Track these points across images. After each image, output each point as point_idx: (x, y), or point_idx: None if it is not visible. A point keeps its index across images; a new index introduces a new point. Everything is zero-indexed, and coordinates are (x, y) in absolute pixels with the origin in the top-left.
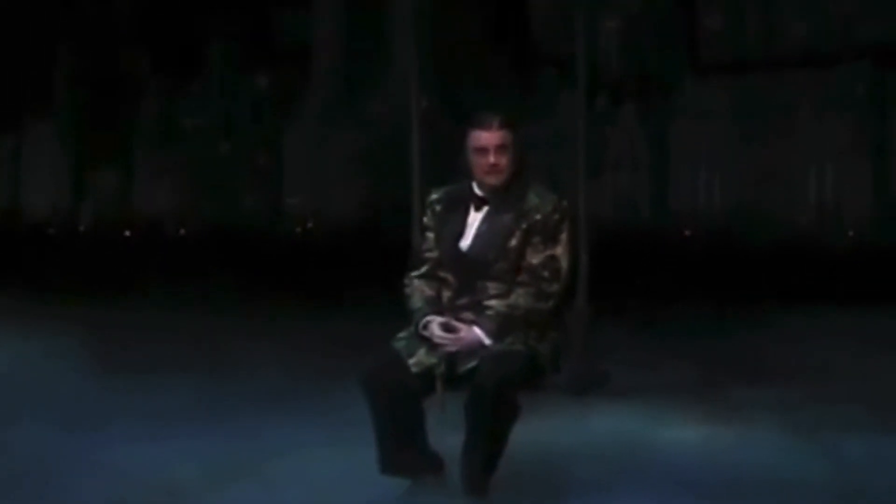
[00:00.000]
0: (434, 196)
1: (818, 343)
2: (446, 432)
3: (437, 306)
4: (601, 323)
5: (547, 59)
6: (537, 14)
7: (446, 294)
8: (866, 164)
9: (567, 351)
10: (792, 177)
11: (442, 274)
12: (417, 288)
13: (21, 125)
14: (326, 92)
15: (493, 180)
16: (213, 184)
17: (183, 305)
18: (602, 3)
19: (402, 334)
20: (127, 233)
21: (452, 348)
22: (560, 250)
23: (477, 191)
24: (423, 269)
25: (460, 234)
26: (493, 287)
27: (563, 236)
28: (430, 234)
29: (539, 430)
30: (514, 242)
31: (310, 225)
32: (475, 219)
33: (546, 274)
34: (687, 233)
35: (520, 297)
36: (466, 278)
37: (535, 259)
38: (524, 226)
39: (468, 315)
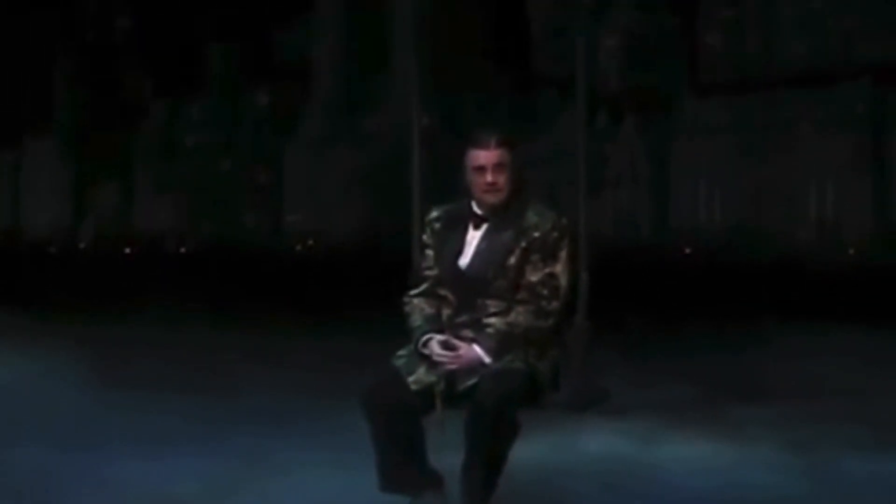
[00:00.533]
0: (433, 214)
1: (818, 361)
2: (446, 450)
3: (436, 324)
4: (601, 341)
5: (547, 77)
6: (538, 32)
7: (446, 312)
8: (866, 182)
9: (567, 369)
10: (792, 194)
11: (441, 292)
12: (417, 306)
13: (21, 143)
14: (327, 110)
15: (491, 199)
16: (213, 201)
17: (183, 323)
18: (602, 21)
19: (401, 352)
20: (127, 250)
21: (452, 366)
22: (559, 268)
23: (476, 209)
24: (423, 287)
25: (459, 252)
26: (492, 305)
27: (563, 254)
28: (430, 252)
29: (539, 448)
30: (513, 260)
31: (310, 242)
32: (474, 237)
33: (545, 292)
34: (687, 250)
35: (519, 315)
36: (466, 296)
37: (534, 277)
38: (523, 244)
39: (468, 333)
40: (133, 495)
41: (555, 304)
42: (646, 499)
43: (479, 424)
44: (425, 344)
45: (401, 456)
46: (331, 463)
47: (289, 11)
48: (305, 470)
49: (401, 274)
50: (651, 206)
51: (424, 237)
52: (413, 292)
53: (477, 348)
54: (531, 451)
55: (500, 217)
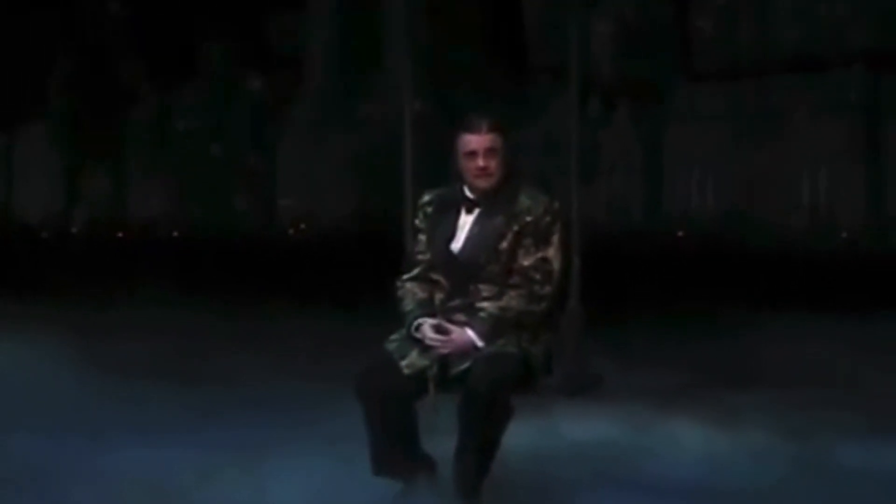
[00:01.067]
0: (425, 198)
1: (811, 347)
2: (439, 435)
3: (429, 308)
4: (594, 325)
5: (540, 65)
6: (531, 20)
7: (438, 296)
8: (859, 168)
9: (559, 353)
10: (785, 180)
11: (434, 276)
12: (409, 290)
13: (14, 128)
14: (320, 95)
15: (483, 183)
16: (206, 186)
17: (175, 307)
18: (595, 9)
19: (394, 336)
20: (120, 235)
21: (445, 350)
22: (552, 252)
23: (468, 193)
24: (415, 271)
25: (452, 236)
26: (485, 289)
27: (555, 238)
28: (422, 237)
29: (531, 433)
30: (505, 245)
31: (302, 227)
32: (466, 221)
33: (538, 276)
34: (680, 234)
35: (512, 300)
36: (458, 281)
37: (526, 261)
38: (515, 228)
39: (460, 317)
40: (125, 479)
41: (547, 289)
42: (637, 485)
43: (471, 409)
44: (418, 328)
45: (394, 440)
46: (324, 447)
47: None
48: (299, 454)
49: (393, 258)
50: (644, 192)
51: (417, 221)
52: (405, 277)
53: (469, 332)
54: (523, 435)
55: (492, 201)
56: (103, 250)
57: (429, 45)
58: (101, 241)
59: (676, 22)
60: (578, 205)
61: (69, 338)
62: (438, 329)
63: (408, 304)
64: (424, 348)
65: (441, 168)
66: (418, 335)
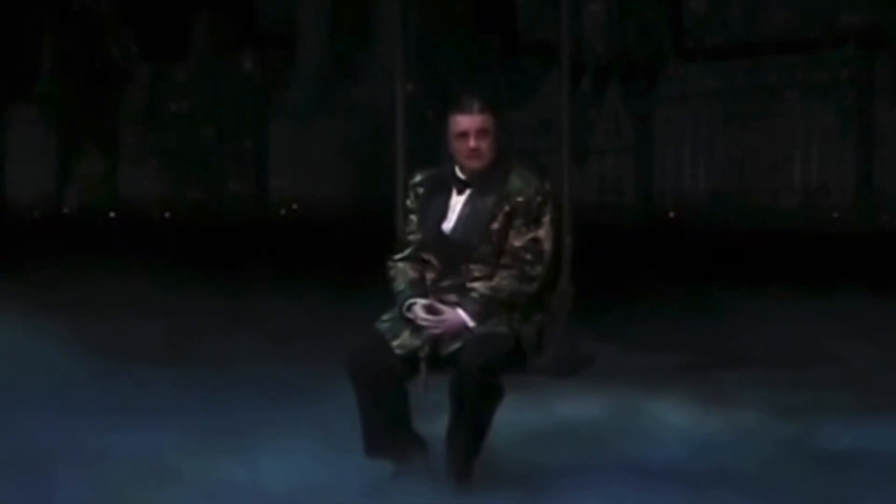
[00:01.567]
0: (417, 179)
1: (802, 327)
2: (430, 415)
3: (420, 289)
4: (585, 306)
5: (531, 44)
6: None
7: (430, 276)
8: (851, 148)
9: (551, 334)
10: (777, 159)
11: (425, 256)
12: (401, 270)
13: (5, 109)
14: (312, 76)
15: (474, 164)
16: (198, 167)
17: (167, 288)
18: None
19: (385, 316)
20: (112, 215)
21: (436, 330)
22: (543, 233)
23: (459, 174)
24: (407, 251)
25: (443, 217)
26: (476, 270)
27: (547, 219)
28: (414, 217)
29: (523, 413)
30: (496, 225)
31: (294, 207)
32: (458, 202)
33: (529, 257)
34: (671, 215)
35: (503, 280)
36: (450, 261)
37: (518, 242)
38: (507, 208)
39: (452, 297)
40: (114, 458)
41: (538, 269)
42: (628, 465)
43: (463, 389)
44: (409, 308)
45: (386, 421)
46: (317, 430)
47: None
48: (292, 438)
49: (385, 239)
50: (635, 171)
51: (408, 202)
52: (397, 257)
53: (461, 312)
54: (515, 415)
55: (483, 182)
56: (95, 231)
57: (420, 26)
58: (93, 222)
59: (668, 1)
60: (569, 184)
61: (60, 318)
62: (430, 309)
63: (399, 285)
64: (416, 328)
65: (432, 148)
66: (410, 315)
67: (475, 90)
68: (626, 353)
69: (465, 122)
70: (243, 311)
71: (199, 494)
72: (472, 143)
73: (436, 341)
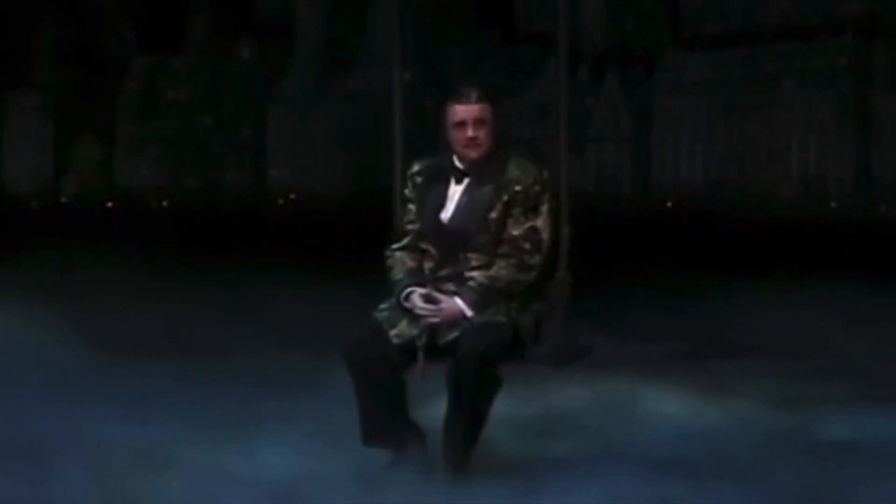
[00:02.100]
0: (415, 168)
1: (800, 316)
2: (428, 404)
3: (418, 278)
4: (583, 295)
5: (529, 33)
6: None
7: (428, 266)
8: (849, 137)
9: (549, 323)
10: (774, 149)
11: (423, 246)
12: (399, 260)
13: (3, 98)
14: (309, 66)
15: (472, 153)
16: (196, 156)
17: (164, 278)
18: None
19: (383, 306)
20: (109, 205)
21: (434, 320)
22: (541, 222)
23: (457, 163)
24: (405, 241)
25: (441, 206)
26: (474, 259)
27: (544, 208)
28: (412, 207)
29: (520, 403)
30: (494, 214)
31: (292, 196)
32: (456, 191)
33: (527, 246)
34: (669, 204)
35: (501, 269)
36: (448, 250)
37: (515, 231)
38: (505, 198)
39: (450, 286)
40: (115, 454)
41: (536, 258)
42: (628, 454)
43: (461, 378)
44: (407, 297)
45: (383, 410)
46: (314, 419)
47: None
48: (289, 427)
49: (383, 228)
50: (633, 161)
51: (406, 191)
52: (395, 246)
53: (459, 301)
54: (513, 405)
55: (481, 171)
56: (93, 220)
57: (418, 14)
58: (90, 211)
59: None
60: (567, 173)
61: (57, 308)
62: (428, 298)
63: (397, 274)
64: (414, 318)
65: (431, 137)
66: (408, 305)
67: (473, 79)
68: (624, 343)
69: (463, 111)
70: (241, 301)
71: (196, 484)
72: (469, 132)
73: (433, 330)
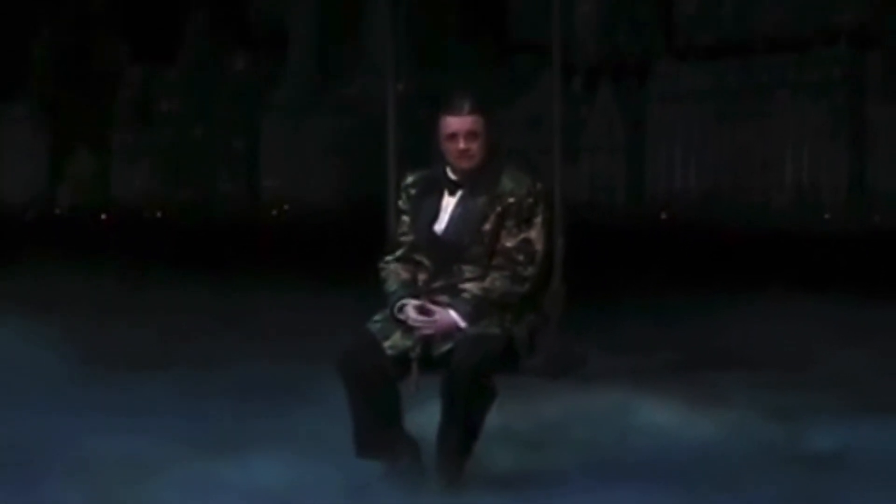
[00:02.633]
0: (409, 179)
1: (794, 327)
2: (422, 416)
3: (412, 289)
4: (578, 306)
5: (523, 43)
6: None
7: (422, 277)
8: (842, 147)
9: (543, 334)
10: (768, 159)
11: (417, 257)
12: (393, 271)
13: None
14: (303, 76)
15: (464, 165)
16: (190, 167)
17: (159, 288)
18: None
19: (377, 317)
20: (104, 216)
21: (428, 331)
22: (535, 233)
23: (451, 174)
24: (399, 252)
25: (435, 217)
26: (468, 270)
27: (538, 219)
28: (405, 218)
29: (515, 414)
30: (488, 226)
31: (286, 208)
32: (449, 202)
33: (521, 257)
34: (664, 215)
35: (495, 281)
36: (442, 262)
37: (509, 242)
38: (498, 209)
39: (444, 298)
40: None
41: (530, 270)
42: (622, 465)
43: (455, 390)
44: (401, 309)
45: (377, 421)
46: (307, 431)
47: None
48: (282, 438)
49: (376, 239)
50: (627, 171)
51: (400, 203)
52: (389, 258)
53: (453, 313)
54: (507, 416)
55: (475, 183)
56: (87, 231)
57: (411, 24)
58: (85, 223)
59: (660, 0)
60: (561, 184)
61: (52, 319)
62: (422, 310)
63: (391, 285)
64: (408, 329)
65: (424, 148)
66: (402, 316)
67: (466, 90)
68: (619, 354)
69: (455, 123)
70: (235, 312)
71: (189, 496)
72: (461, 144)
73: (427, 342)
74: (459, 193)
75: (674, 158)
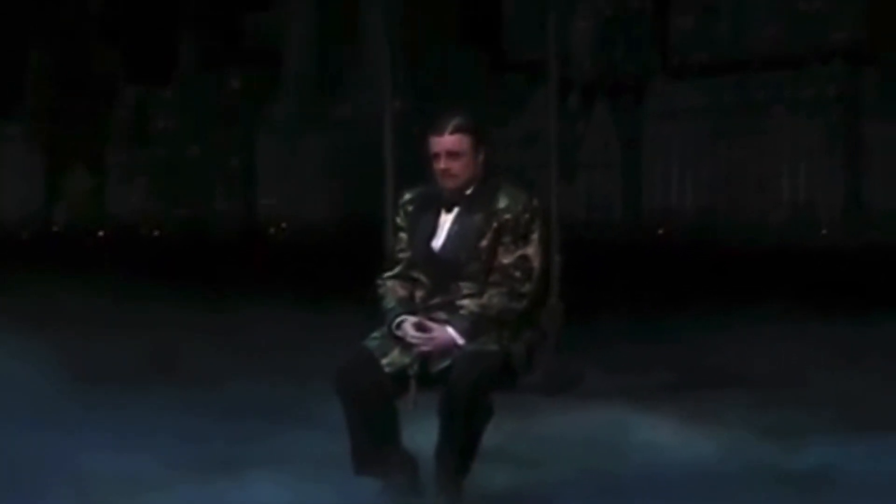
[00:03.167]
0: (406, 197)
1: (791, 346)
2: (420, 433)
3: (410, 306)
4: (575, 323)
5: (519, 61)
6: (509, 15)
7: (419, 294)
8: (838, 164)
9: (540, 351)
10: (764, 176)
11: (415, 274)
12: (390, 288)
13: None
14: (299, 94)
15: (448, 184)
16: (186, 185)
17: (154, 306)
18: (574, 4)
19: (375, 334)
20: (100, 234)
21: (426, 348)
22: (532, 250)
23: (447, 192)
24: (396, 269)
25: (432, 234)
26: (465, 287)
27: (535, 236)
28: (403, 235)
29: (512, 432)
30: (485, 243)
31: (283, 226)
32: (446, 220)
33: (518, 274)
34: (660, 232)
35: (493, 297)
36: (439, 279)
37: (506, 259)
38: (495, 226)
39: (441, 315)
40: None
41: (528, 286)
42: (619, 483)
43: (452, 407)
44: (398, 326)
45: (375, 439)
46: (304, 447)
47: None
48: (279, 453)
49: (374, 256)
50: (623, 188)
51: (398, 220)
52: (386, 275)
53: (450, 330)
54: (504, 434)
55: (471, 200)
56: (84, 249)
57: (407, 42)
58: (81, 241)
59: (656, 18)
60: (558, 201)
61: (49, 337)
62: (419, 327)
63: (389, 303)
64: (405, 346)
65: (421, 165)
66: (399, 333)
67: (456, 110)
68: (616, 371)
69: (436, 143)
70: (232, 330)
71: None
72: (441, 164)
73: (425, 359)
74: (456, 210)
75: (670, 175)
